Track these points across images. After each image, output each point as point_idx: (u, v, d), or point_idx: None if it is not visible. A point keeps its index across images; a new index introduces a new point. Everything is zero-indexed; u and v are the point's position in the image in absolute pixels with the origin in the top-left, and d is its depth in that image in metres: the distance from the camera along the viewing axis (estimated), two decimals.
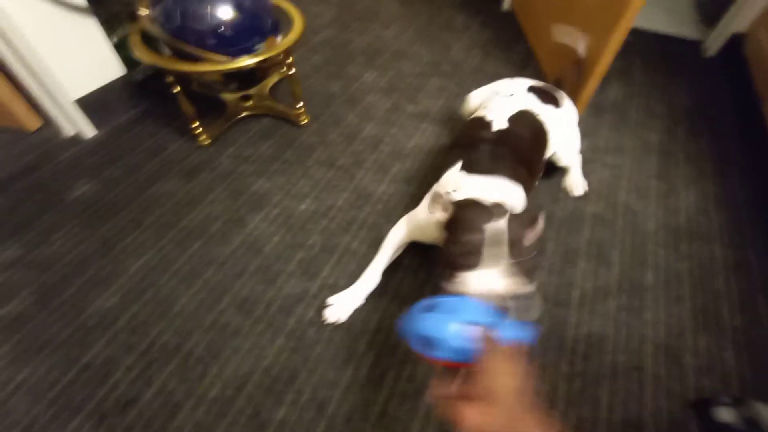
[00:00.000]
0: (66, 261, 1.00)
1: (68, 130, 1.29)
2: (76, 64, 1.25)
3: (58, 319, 0.90)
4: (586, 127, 1.47)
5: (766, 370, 0.91)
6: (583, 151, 1.38)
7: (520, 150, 0.95)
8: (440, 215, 0.73)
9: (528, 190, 0.96)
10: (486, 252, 0.60)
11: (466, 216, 0.67)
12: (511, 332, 0.44)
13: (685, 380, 0.89)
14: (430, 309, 0.46)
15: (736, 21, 1.78)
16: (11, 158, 1.22)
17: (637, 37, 1.96)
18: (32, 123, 1.29)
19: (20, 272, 0.98)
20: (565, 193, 1.25)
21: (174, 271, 0.99)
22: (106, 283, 0.97)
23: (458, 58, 1.76)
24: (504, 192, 0.84)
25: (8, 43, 1.07)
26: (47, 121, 1.29)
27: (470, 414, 0.34)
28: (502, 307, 0.53)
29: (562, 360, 0.91)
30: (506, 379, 0.36)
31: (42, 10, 1.11)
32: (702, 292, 1.04)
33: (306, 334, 0.91)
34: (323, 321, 0.92)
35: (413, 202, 1.18)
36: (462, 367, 0.41)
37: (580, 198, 1.24)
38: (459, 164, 0.91)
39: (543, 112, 1.05)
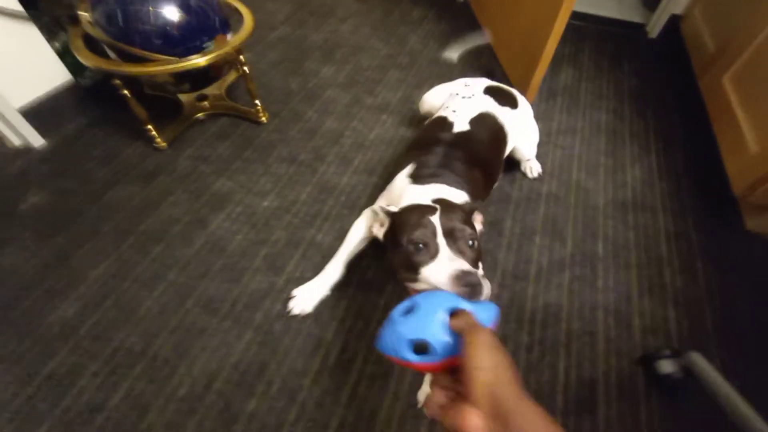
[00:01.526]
0: (20, 273, 0.97)
1: (13, 140, 1.24)
2: (17, 72, 1.20)
3: (16, 332, 0.88)
4: (540, 112, 1.54)
5: (699, 324, 0.99)
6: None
7: (476, 152, 0.97)
8: (379, 231, 0.74)
9: (485, 189, 1.00)
10: (440, 242, 0.62)
11: (410, 216, 0.67)
12: (483, 314, 0.43)
13: (632, 340, 0.96)
14: (409, 311, 0.43)
15: (674, 3, 1.89)
16: None
17: (585, 21, 2.05)
18: None
19: None
20: (522, 174, 1.31)
21: (135, 276, 0.98)
22: (64, 293, 0.95)
23: (415, 50, 1.79)
24: (443, 195, 0.82)
25: None
26: None
27: (474, 419, 0.31)
28: (465, 292, 0.53)
29: (522, 331, 0.96)
30: (501, 369, 0.33)
31: None
32: (647, 259, 1.12)
33: (273, 328, 0.92)
34: (288, 312, 0.93)
35: (376, 192, 1.21)
36: (454, 366, 0.38)
37: (535, 179, 1.30)
38: (408, 168, 0.93)
39: (501, 114, 1.09)
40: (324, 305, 0.96)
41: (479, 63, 1.75)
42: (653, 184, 1.32)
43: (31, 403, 0.79)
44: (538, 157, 1.34)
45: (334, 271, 0.97)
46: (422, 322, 0.41)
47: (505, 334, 0.95)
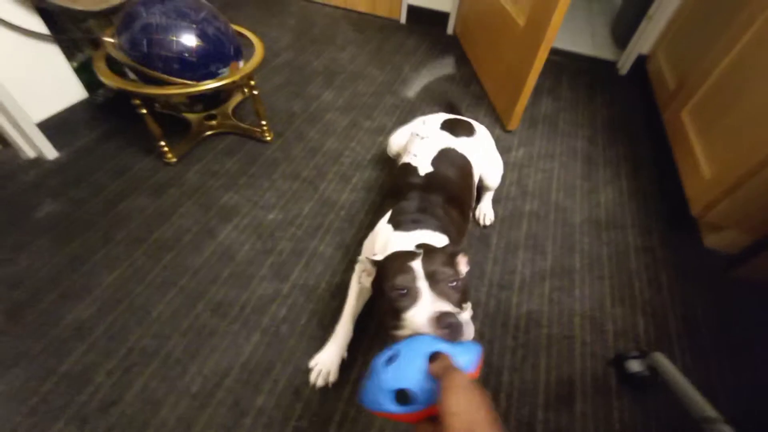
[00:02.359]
0: (36, 277, 1.02)
1: (29, 152, 1.30)
2: (37, 88, 1.28)
3: (33, 332, 0.93)
4: (522, 138, 1.69)
5: (664, 329, 1.10)
6: (520, 158, 1.59)
7: (449, 190, 0.98)
8: (366, 280, 0.75)
9: (464, 224, 1.00)
10: (422, 285, 0.61)
11: (392, 264, 0.67)
12: (464, 356, 0.43)
13: (606, 343, 1.06)
14: (392, 360, 0.42)
15: (641, 44, 2.10)
16: None
17: (563, 58, 2.25)
18: None
19: None
20: (507, 194, 1.43)
21: (148, 282, 1.04)
22: (79, 296, 1.00)
23: (409, 78, 1.93)
24: (426, 241, 0.83)
25: None
26: (7, 144, 1.30)
27: None
28: (445, 334, 0.51)
29: (507, 335, 1.05)
30: (474, 412, 0.34)
31: (1, 36, 1.15)
32: (618, 272, 1.23)
33: (280, 330, 0.99)
34: (313, 386, 0.90)
35: (373, 208, 1.31)
36: (433, 413, 0.38)
37: (518, 198, 1.42)
38: (388, 215, 0.94)
39: (460, 144, 1.11)
40: (328, 307, 1.04)
41: (443, 96, 1.87)
42: (624, 204, 1.46)
43: (49, 398, 0.84)
44: (522, 178, 1.47)
45: (344, 331, 0.95)
46: (403, 371, 0.41)
47: (492, 338, 1.04)
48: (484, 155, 1.22)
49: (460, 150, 1.10)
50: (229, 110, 1.54)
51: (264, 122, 1.44)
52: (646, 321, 1.12)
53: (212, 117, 1.49)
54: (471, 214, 1.16)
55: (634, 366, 0.96)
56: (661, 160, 1.63)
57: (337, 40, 2.14)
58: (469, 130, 1.19)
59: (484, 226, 1.31)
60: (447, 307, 0.57)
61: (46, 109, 1.32)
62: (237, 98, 1.59)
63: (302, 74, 1.86)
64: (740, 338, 1.10)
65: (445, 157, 1.07)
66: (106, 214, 1.19)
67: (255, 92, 1.35)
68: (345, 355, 0.93)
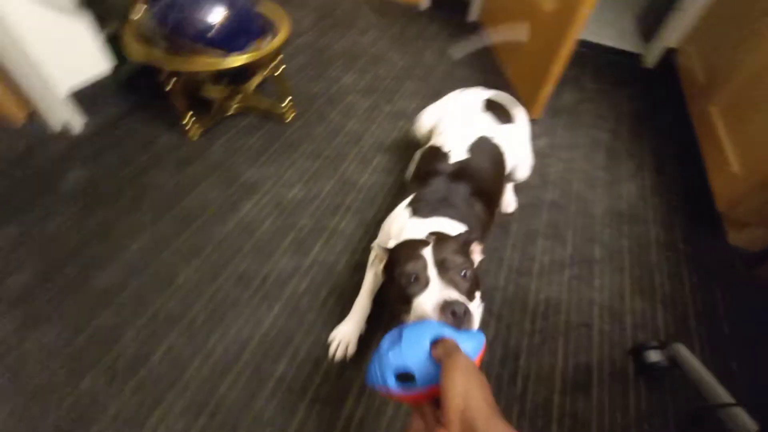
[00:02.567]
0: (66, 241, 1.05)
1: (57, 123, 1.32)
2: (67, 59, 1.29)
3: (65, 292, 0.96)
4: (544, 127, 1.67)
5: (683, 322, 1.09)
6: (542, 148, 1.57)
7: (478, 182, 0.94)
8: (379, 266, 0.76)
9: (488, 222, 0.96)
10: (431, 273, 0.62)
11: (403, 251, 0.68)
12: (468, 343, 0.44)
13: (624, 334, 1.06)
14: (397, 341, 0.44)
15: (669, 37, 2.05)
16: (1, 149, 1.25)
17: (588, 48, 2.21)
18: (20, 116, 1.31)
19: (23, 250, 1.02)
20: (528, 182, 1.41)
21: (174, 250, 1.07)
22: (108, 260, 1.02)
23: (430, 64, 1.92)
24: (442, 228, 0.81)
25: (4, 35, 1.11)
26: (36, 114, 1.32)
27: None
28: (452, 322, 0.53)
29: (525, 319, 1.05)
30: (473, 392, 0.34)
31: (34, 6, 1.16)
32: (639, 265, 1.22)
33: (300, 303, 1.00)
34: (332, 358, 0.92)
35: (392, 191, 1.31)
36: (436, 395, 0.39)
37: (539, 187, 1.41)
38: (408, 199, 0.93)
39: (499, 134, 1.05)
40: (347, 286, 1.05)
41: (465, 83, 1.88)
42: (646, 198, 1.44)
43: (79, 354, 0.87)
44: (543, 167, 1.45)
45: (363, 307, 0.96)
46: (406, 352, 0.42)
47: (510, 322, 1.04)
48: (520, 148, 1.14)
49: (498, 140, 1.04)
50: (252, 89, 1.55)
51: (288, 99, 1.44)
52: (665, 314, 1.11)
53: (235, 95, 1.50)
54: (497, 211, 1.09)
55: (653, 356, 0.95)
56: (686, 155, 1.60)
57: (359, 23, 2.12)
58: (509, 115, 1.13)
59: (507, 214, 1.30)
60: (454, 295, 0.58)
61: (75, 80, 1.33)
62: (259, 77, 1.59)
63: (323, 56, 1.86)
64: (761, 336, 1.08)
65: (482, 145, 1.00)
66: (133, 185, 1.21)
67: (280, 69, 1.35)
68: (363, 329, 0.95)
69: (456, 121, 1.07)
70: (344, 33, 2.03)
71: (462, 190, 0.91)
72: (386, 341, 0.45)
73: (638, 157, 1.60)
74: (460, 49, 1.47)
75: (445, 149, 0.99)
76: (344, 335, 0.93)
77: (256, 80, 1.57)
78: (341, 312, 1.00)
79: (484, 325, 1.02)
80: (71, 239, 1.06)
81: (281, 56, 1.32)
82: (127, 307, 0.94)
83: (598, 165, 1.54)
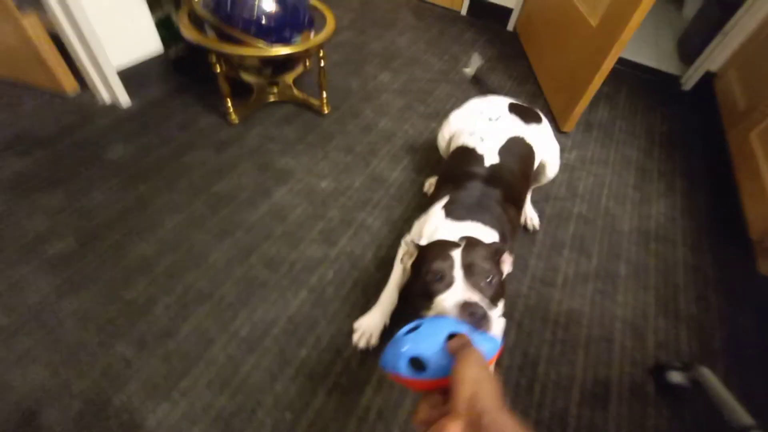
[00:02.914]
0: (106, 212, 1.09)
1: (106, 97, 1.38)
2: (121, 37, 1.35)
3: (102, 260, 0.99)
4: (576, 140, 1.66)
5: (707, 345, 1.07)
6: (572, 161, 1.56)
7: (511, 186, 0.95)
8: (408, 262, 0.77)
9: (518, 227, 0.95)
10: (457, 274, 0.63)
11: (433, 250, 0.70)
12: (484, 345, 0.44)
13: (645, 352, 1.04)
14: (415, 329, 0.45)
15: (710, 60, 2.02)
16: (52, 118, 1.31)
17: (625, 66, 2.19)
18: (72, 88, 1.37)
19: (65, 218, 1.07)
20: (556, 194, 1.41)
21: (207, 229, 1.10)
22: (144, 234, 1.06)
23: (465, 70, 1.92)
24: (475, 233, 0.81)
25: (66, 9, 1.16)
26: (87, 87, 1.38)
27: (453, 429, 0.32)
28: (470, 322, 0.54)
29: (546, 329, 1.05)
30: (483, 383, 0.35)
31: None
32: (664, 284, 1.21)
33: (326, 291, 1.02)
34: (355, 347, 0.93)
35: (420, 191, 1.32)
36: (443, 387, 0.39)
37: (568, 199, 1.40)
38: (444, 201, 0.92)
39: (529, 133, 1.06)
40: (372, 280, 1.06)
41: (498, 91, 1.88)
42: (675, 219, 1.42)
43: (113, 322, 0.90)
44: (573, 180, 1.45)
45: (389, 299, 0.97)
46: (422, 340, 0.43)
47: (531, 330, 1.04)
48: (548, 146, 1.13)
49: (528, 140, 1.04)
50: (290, 81, 1.58)
51: (325, 93, 1.47)
52: (689, 336, 1.09)
53: (275, 84, 1.54)
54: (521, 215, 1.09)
55: (676, 377, 0.94)
56: (720, 179, 1.57)
57: (397, 24, 2.15)
58: (537, 117, 1.12)
59: (533, 230, 1.28)
60: (476, 297, 0.59)
61: (127, 58, 1.39)
62: (299, 70, 1.63)
63: (361, 54, 1.88)
64: None
65: (513, 147, 1.01)
66: (171, 163, 1.25)
67: (323, 63, 1.38)
68: (387, 321, 0.96)
69: (486, 120, 1.06)
70: (382, 33, 2.06)
71: (496, 194, 0.92)
72: (405, 328, 0.46)
73: (670, 177, 1.58)
74: (472, 67, 1.49)
75: (479, 151, 1.00)
76: (368, 325, 0.94)
77: (297, 71, 1.61)
78: (365, 305, 1.01)
79: (504, 331, 1.02)
80: (111, 211, 1.10)
81: (323, 51, 1.35)
82: (160, 281, 0.98)
83: (628, 182, 1.52)
